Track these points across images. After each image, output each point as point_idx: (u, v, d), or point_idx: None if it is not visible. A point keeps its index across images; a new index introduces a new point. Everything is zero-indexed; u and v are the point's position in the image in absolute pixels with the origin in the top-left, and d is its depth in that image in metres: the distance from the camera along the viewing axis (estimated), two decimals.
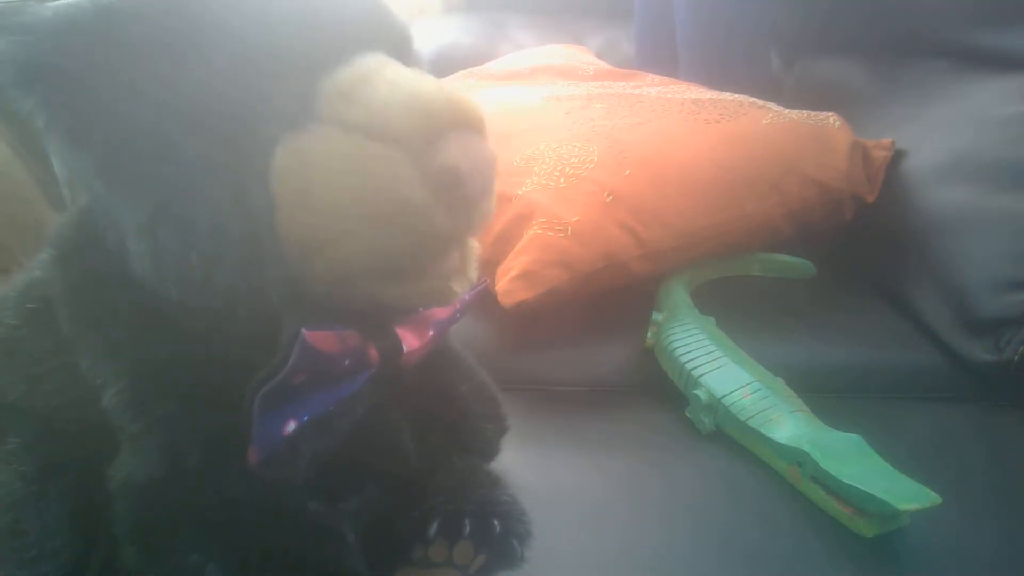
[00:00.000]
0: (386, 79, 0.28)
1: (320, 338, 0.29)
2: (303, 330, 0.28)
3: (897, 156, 0.74)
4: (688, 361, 0.55)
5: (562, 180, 0.67)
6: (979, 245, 0.62)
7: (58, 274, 0.34)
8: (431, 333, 0.35)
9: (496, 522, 0.36)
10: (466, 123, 0.28)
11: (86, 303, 0.33)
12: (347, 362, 0.31)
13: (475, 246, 0.32)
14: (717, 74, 1.01)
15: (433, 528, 0.36)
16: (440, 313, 0.36)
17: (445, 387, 0.43)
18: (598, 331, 0.65)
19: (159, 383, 0.32)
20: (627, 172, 0.67)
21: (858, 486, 0.42)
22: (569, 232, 0.62)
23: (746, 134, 0.72)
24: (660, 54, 1.18)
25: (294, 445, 0.31)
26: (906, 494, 0.41)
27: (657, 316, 0.62)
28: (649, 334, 0.61)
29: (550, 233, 0.62)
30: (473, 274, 0.32)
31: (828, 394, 0.54)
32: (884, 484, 0.42)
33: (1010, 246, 0.60)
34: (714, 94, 0.85)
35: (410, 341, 0.34)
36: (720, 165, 0.68)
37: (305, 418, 0.31)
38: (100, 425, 0.33)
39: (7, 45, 0.27)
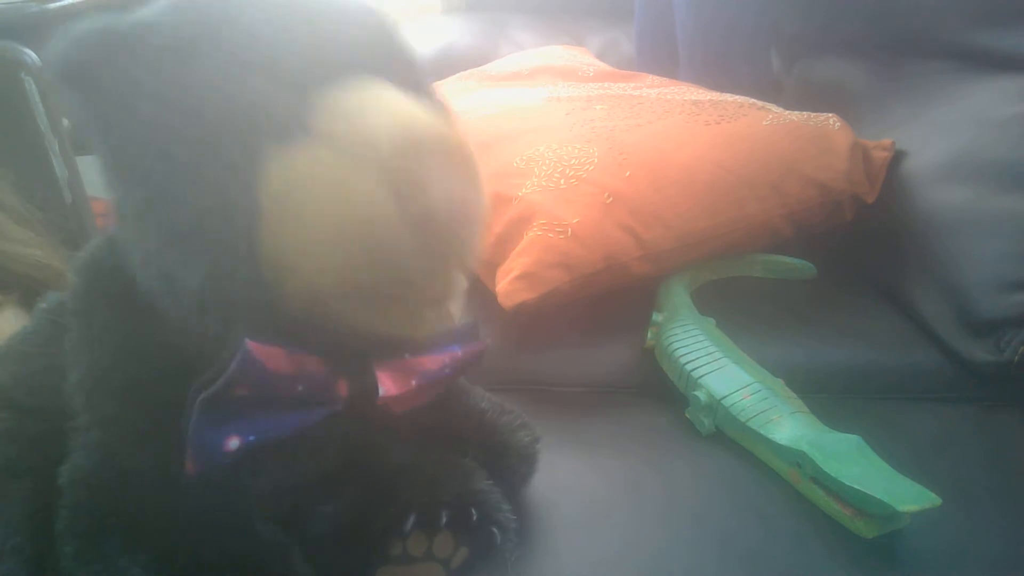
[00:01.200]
0: (379, 106, 0.28)
1: (267, 353, 0.29)
2: (246, 340, 0.28)
3: (897, 156, 0.74)
4: (688, 362, 0.55)
5: (562, 181, 0.67)
6: (979, 245, 0.62)
7: (79, 286, 0.35)
8: (414, 383, 0.34)
9: (473, 510, 0.37)
10: (452, 160, 0.28)
11: (84, 299, 0.35)
12: (300, 387, 0.31)
13: (460, 280, 0.32)
14: (717, 74, 1.01)
15: (410, 522, 0.36)
16: (427, 363, 0.35)
17: (464, 410, 0.43)
18: (598, 331, 0.65)
19: (112, 380, 0.33)
20: (627, 173, 0.67)
21: (858, 487, 0.42)
22: (569, 233, 0.62)
23: (746, 135, 0.72)
24: (660, 54, 1.18)
25: (242, 467, 0.31)
26: (906, 495, 0.41)
27: (657, 317, 0.62)
28: (649, 335, 0.61)
29: (550, 234, 0.62)
30: (454, 307, 0.32)
31: (828, 394, 0.54)
32: (884, 485, 0.42)
33: (1010, 246, 0.60)
34: (714, 95, 0.85)
35: (388, 385, 0.33)
36: (720, 166, 0.68)
37: (251, 438, 0.30)
38: (66, 420, 0.34)
39: (61, 45, 0.30)
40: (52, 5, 0.77)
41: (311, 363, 0.31)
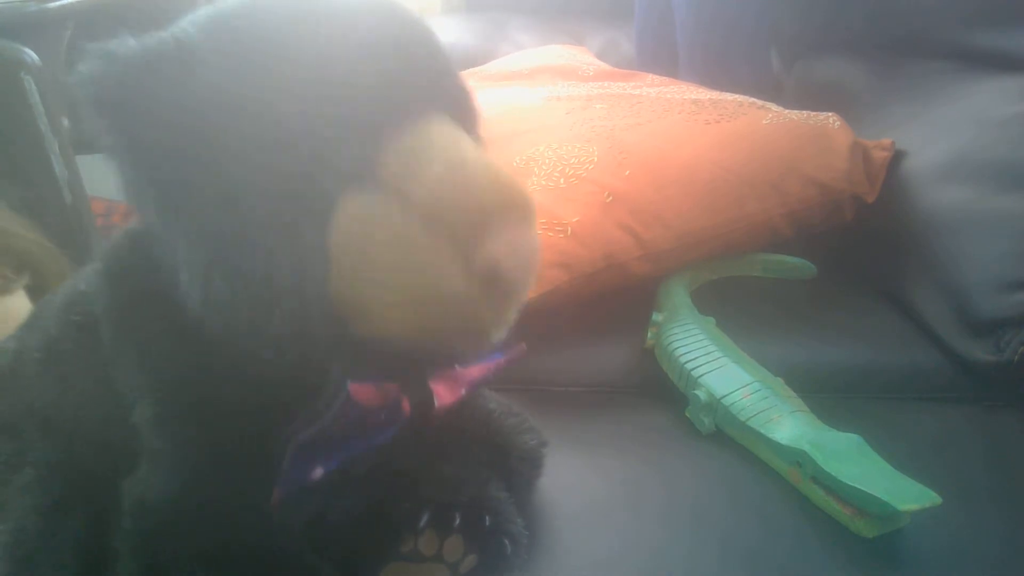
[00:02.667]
0: (445, 158, 0.28)
1: (362, 391, 0.30)
2: (348, 383, 0.29)
3: (897, 156, 0.74)
4: (688, 361, 0.55)
5: (562, 181, 0.67)
6: (979, 245, 0.62)
7: (106, 290, 0.34)
8: (463, 391, 0.36)
9: (487, 517, 0.37)
10: (514, 212, 0.28)
11: (130, 319, 0.33)
12: (383, 416, 0.32)
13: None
14: (717, 74, 1.01)
15: (424, 519, 0.36)
16: (475, 372, 0.37)
17: (473, 411, 0.43)
18: (598, 331, 0.65)
19: (187, 405, 0.32)
20: (627, 173, 0.67)
21: (858, 486, 0.42)
22: (569, 232, 0.62)
23: (746, 134, 0.72)
24: (660, 54, 1.18)
25: (311, 489, 0.32)
26: (906, 494, 0.41)
27: (657, 316, 0.62)
28: (649, 334, 0.61)
29: (550, 234, 0.62)
30: (508, 322, 0.32)
31: (828, 394, 0.54)
32: (884, 484, 0.42)
33: (1010, 246, 0.60)
34: (714, 94, 0.85)
35: (443, 396, 0.35)
36: (720, 165, 0.68)
37: (334, 464, 0.32)
38: (119, 447, 0.33)
39: (92, 67, 0.28)
40: (52, 4, 0.77)
41: (392, 391, 0.32)
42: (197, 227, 0.28)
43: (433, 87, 0.30)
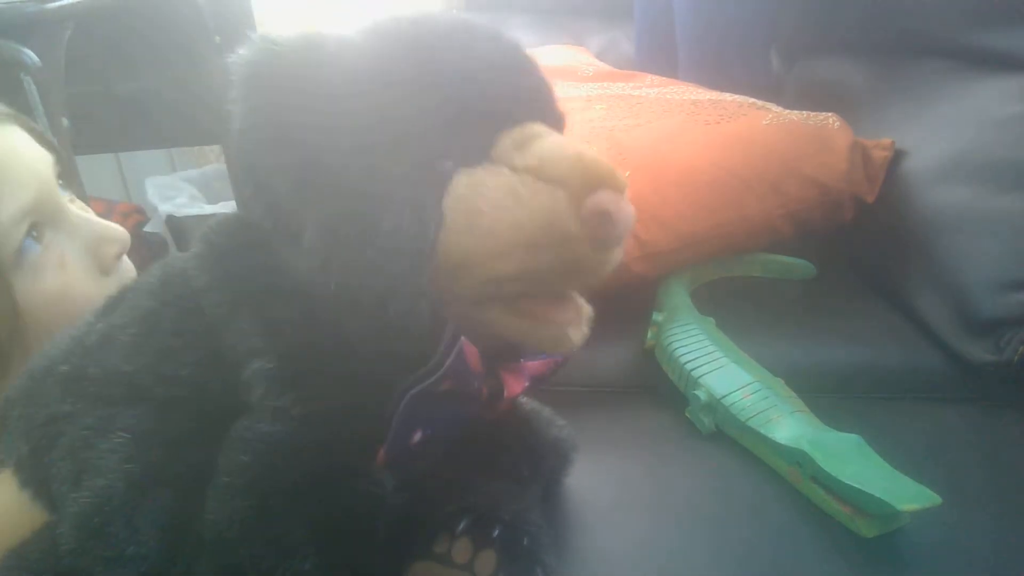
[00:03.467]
0: (555, 140, 0.33)
1: (471, 352, 0.33)
2: (462, 338, 0.32)
3: (897, 156, 0.74)
4: (688, 361, 0.55)
5: None
6: (979, 245, 0.62)
7: (216, 265, 0.36)
8: (527, 384, 0.39)
9: (525, 539, 0.37)
10: (615, 184, 0.31)
11: (246, 290, 0.35)
12: (476, 384, 0.35)
13: (587, 307, 0.36)
14: (717, 74, 1.01)
15: (463, 523, 0.36)
16: (537, 367, 0.40)
17: (518, 411, 0.44)
18: (598, 331, 0.64)
19: (308, 365, 0.33)
20: (627, 173, 0.67)
21: (858, 486, 0.42)
22: None
23: (746, 135, 0.72)
24: (660, 54, 1.18)
25: (415, 455, 0.34)
26: (906, 494, 0.41)
27: (657, 316, 0.62)
28: (649, 334, 0.61)
29: None
30: (586, 328, 0.35)
31: (828, 394, 0.54)
32: (884, 484, 0.42)
33: (1010, 246, 0.60)
34: (714, 95, 0.85)
35: (511, 385, 0.37)
36: (720, 166, 0.68)
37: (430, 431, 0.34)
38: (215, 419, 0.34)
39: (251, 50, 0.33)
40: (52, 4, 0.77)
41: (484, 363, 0.35)
42: (333, 191, 0.32)
43: (538, 101, 0.35)
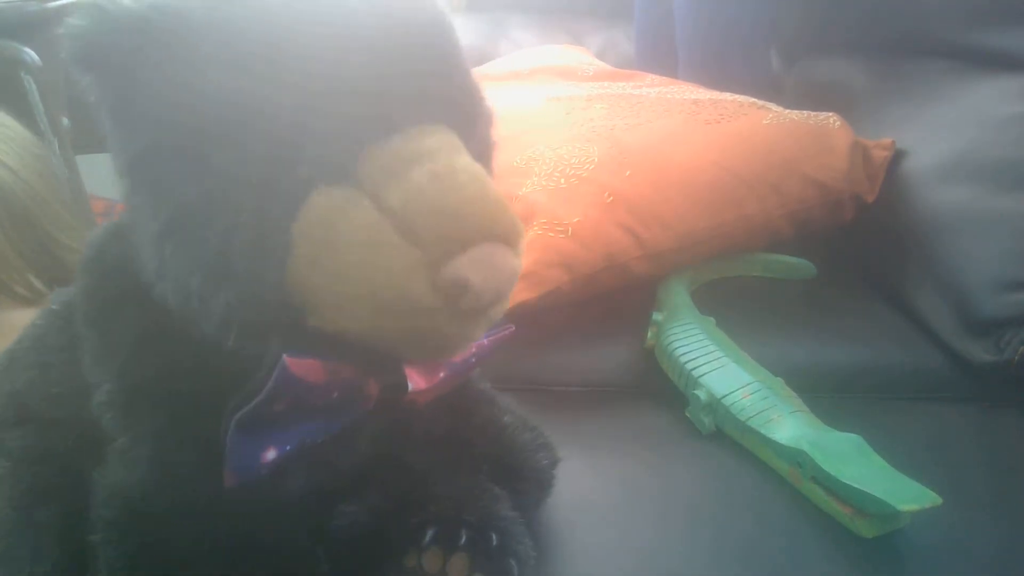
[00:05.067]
0: (430, 170, 0.27)
1: (304, 366, 0.28)
2: (284, 356, 0.28)
3: (897, 156, 0.74)
4: (688, 361, 0.55)
5: (562, 181, 0.67)
6: (979, 245, 0.62)
7: (80, 277, 0.34)
8: (442, 375, 0.35)
9: (494, 536, 0.36)
10: (495, 231, 0.27)
11: (95, 303, 0.33)
12: (335, 394, 0.30)
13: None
14: (717, 74, 1.01)
15: (429, 535, 0.35)
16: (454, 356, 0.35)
17: (484, 422, 0.42)
18: (598, 331, 0.65)
19: (151, 392, 0.32)
20: (627, 173, 0.67)
21: (858, 486, 0.42)
22: (570, 233, 0.62)
23: (746, 134, 0.72)
24: (660, 54, 1.18)
25: (281, 474, 0.31)
26: (906, 495, 0.41)
27: (657, 316, 0.62)
28: (649, 334, 0.61)
29: (551, 234, 0.62)
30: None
31: (828, 394, 0.54)
32: (884, 485, 0.42)
33: (1010, 246, 0.60)
34: (714, 94, 0.85)
35: (417, 381, 0.33)
36: (720, 166, 0.68)
37: (287, 448, 0.30)
38: (92, 438, 0.33)
39: (83, 22, 0.27)
40: (51, 4, 0.77)
41: (344, 370, 0.30)
42: (162, 190, 0.28)
43: (433, 94, 0.29)
